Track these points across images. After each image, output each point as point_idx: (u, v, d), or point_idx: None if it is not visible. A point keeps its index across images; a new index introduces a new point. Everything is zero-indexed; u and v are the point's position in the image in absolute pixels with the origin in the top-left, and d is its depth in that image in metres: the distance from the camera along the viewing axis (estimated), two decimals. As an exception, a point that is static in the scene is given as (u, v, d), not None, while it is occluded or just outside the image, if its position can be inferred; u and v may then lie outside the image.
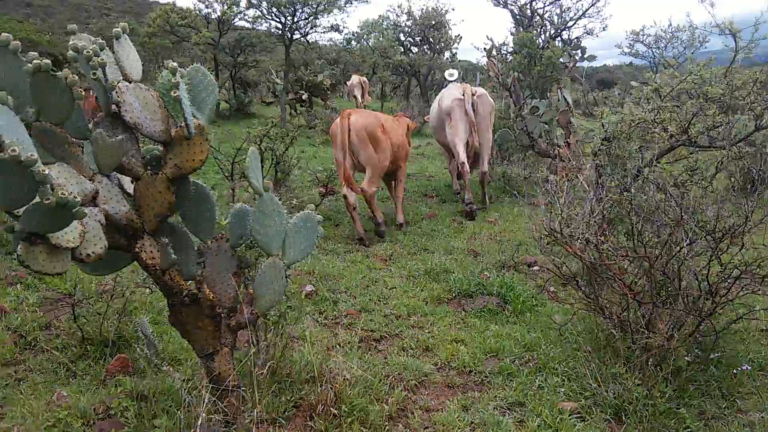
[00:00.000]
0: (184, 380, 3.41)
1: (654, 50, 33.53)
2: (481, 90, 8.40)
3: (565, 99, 11.85)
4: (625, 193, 4.08)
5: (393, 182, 7.67)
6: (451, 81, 17.23)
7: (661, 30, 29.21)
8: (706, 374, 3.64)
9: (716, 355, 3.60)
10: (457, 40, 25.26)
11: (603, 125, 5.34)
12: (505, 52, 18.01)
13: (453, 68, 19.86)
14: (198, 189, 3.07)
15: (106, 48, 2.67)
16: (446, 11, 24.35)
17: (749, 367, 3.64)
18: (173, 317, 3.02)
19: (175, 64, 2.71)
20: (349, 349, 4.13)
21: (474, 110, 8.10)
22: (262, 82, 24.65)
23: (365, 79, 23.41)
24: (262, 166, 7.91)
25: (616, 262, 3.59)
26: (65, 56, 13.91)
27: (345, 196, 6.65)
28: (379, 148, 6.66)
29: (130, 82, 2.78)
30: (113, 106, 2.67)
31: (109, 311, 4.12)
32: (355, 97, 23.80)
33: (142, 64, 2.93)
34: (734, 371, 3.60)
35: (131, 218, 2.77)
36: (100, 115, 2.70)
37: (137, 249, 2.82)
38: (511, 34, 18.30)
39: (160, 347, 3.85)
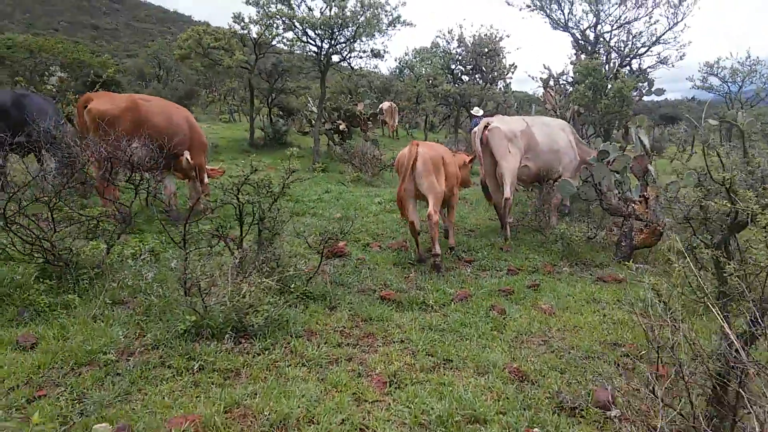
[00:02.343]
0: None
1: (729, 84, 30.83)
2: (495, 123, 8.88)
3: (641, 141, 9.66)
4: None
5: (446, 208, 8.14)
6: (477, 117, 18.56)
7: (738, 62, 26.85)
8: None
9: None
10: (512, 70, 23.24)
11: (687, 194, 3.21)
12: (563, 83, 16.00)
13: (478, 107, 20.11)
14: None
15: None
16: (500, 38, 22.35)
17: None
18: None
19: None
20: None
21: (484, 143, 8.83)
22: (301, 110, 23.18)
23: (395, 105, 24.34)
24: (242, 223, 6.15)
25: None
26: (114, 78, 13.66)
27: (412, 223, 7.22)
28: (440, 178, 7.23)
29: None
30: None
31: None
32: (385, 122, 25.46)
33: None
34: None
35: None
36: None
37: None
38: (572, 62, 16.33)
39: None
